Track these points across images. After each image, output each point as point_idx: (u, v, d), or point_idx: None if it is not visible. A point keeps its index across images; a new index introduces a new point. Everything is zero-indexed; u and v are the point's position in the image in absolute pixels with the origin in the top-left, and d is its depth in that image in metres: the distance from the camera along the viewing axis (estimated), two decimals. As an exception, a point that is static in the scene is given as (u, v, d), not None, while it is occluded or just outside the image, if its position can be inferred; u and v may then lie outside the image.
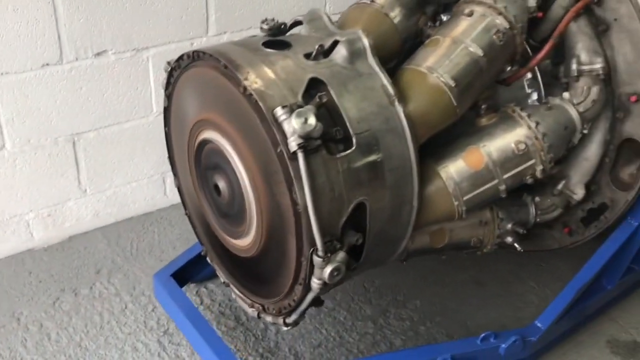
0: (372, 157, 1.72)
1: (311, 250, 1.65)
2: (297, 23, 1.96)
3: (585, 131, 2.07)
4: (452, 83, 1.83)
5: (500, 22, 1.92)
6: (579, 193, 2.22)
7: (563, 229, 2.40)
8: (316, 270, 1.68)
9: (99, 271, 2.80)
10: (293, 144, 1.56)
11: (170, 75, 1.99)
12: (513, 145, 1.95)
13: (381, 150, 1.73)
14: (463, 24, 1.94)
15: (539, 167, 1.98)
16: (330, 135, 1.64)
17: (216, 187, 1.91)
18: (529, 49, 2.11)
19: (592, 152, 2.18)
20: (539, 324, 2.29)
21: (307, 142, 1.57)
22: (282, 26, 1.92)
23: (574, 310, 2.42)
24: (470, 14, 1.94)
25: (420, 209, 1.89)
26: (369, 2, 2.02)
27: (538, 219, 2.26)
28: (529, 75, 2.12)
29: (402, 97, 1.81)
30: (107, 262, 2.85)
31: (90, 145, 2.82)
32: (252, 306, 2.04)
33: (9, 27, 2.43)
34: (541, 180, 2.21)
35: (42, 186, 2.79)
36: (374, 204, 1.75)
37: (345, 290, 2.78)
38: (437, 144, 1.98)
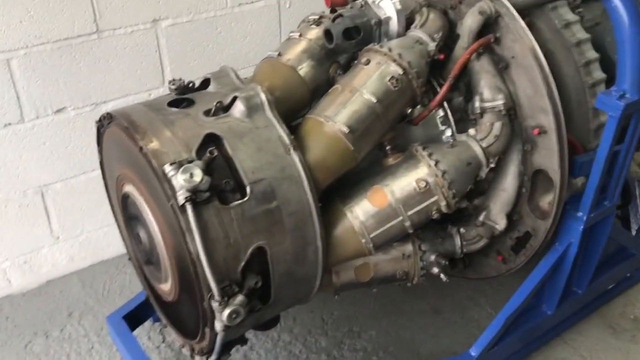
0: (268, 204, 1.83)
1: (208, 295, 1.77)
2: (206, 81, 2.09)
3: (492, 165, 2.12)
4: (346, 130, 1.93)
5: (394, 69, 2.01)
6: (500, 223, 2.26)
7: (497, 257, 2.45)
8: (216, 314, 1.79)
9: (71, 313, 2.95)
10: (181, 197, 1.69)
11: (98, 132, 2.15)
12: (414, 183, 2.02)
13: (277, 197, 1.84)
14: (360, 73, 2.03)
15: (443, 203, 2.04)
16: (221, 187, 1.77)
17: (138, 236, 2.05)
18: (438, 89, 2.20)
19: (508, 183, 2.23)
20: (472, 352, 2.35)
21: (195, 195, 1.70)
22: (190, 84, 2.06)
23: (514, 336, 2.47)
24: (367, 63, 2.04)
25: (329, 248, 2.00)
26: (276, 56, 2.14)
27: (464, 250, 2.31)
28: (441, 113, 2.22)
29: (301, 145, 1.92)
30: (79, 305, 2.99)
31: (59, 195, 2.95)
32: (183, 346, 2.16)
33: (-32, 93, 2.58)
34: (465, 212, 2.31)
35: (15, 236, 2.93)
36: (274, 247, 1.86)
37: (304, 323, 2.88)
38: (347, 185, 2.09)
